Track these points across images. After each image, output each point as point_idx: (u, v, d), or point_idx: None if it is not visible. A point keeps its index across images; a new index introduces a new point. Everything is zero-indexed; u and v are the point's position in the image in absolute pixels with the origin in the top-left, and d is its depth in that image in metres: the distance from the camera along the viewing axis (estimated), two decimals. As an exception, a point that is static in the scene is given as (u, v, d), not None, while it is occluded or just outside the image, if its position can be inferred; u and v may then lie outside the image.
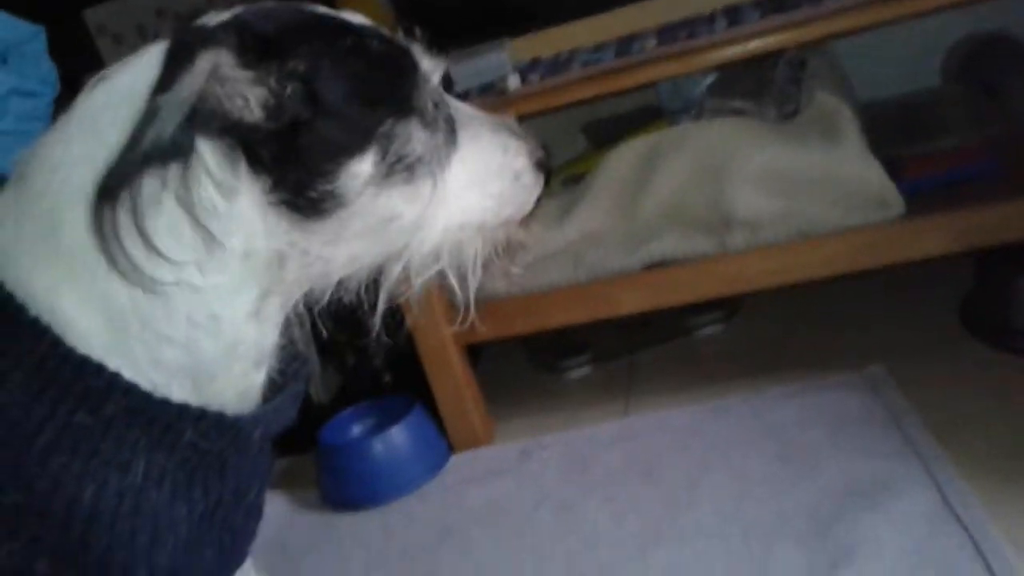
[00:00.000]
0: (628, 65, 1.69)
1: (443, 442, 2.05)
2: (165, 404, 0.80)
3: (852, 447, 1.62)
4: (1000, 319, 1.80)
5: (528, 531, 1.70)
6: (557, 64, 1.84)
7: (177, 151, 0.74)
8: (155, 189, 0.76)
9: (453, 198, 0.90)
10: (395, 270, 0.91)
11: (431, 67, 0.91)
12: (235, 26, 0.77)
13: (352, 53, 0.82)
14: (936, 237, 1.65)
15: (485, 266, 0.97)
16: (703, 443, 1.78)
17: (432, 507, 1.90)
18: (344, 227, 0.84)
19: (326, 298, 0.91)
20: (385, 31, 0.88)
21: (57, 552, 0.76)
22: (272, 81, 0.77)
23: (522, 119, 2.03)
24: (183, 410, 0.80)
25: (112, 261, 0.75)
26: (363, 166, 0.82)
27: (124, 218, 0.74)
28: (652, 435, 1.87)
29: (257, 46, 0.77)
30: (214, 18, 0.81)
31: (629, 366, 2.19)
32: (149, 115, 0.72)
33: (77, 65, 1.03)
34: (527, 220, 1.01)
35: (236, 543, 0.92)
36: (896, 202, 1.68)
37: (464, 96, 1.79)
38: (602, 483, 1.77)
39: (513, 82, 1.76)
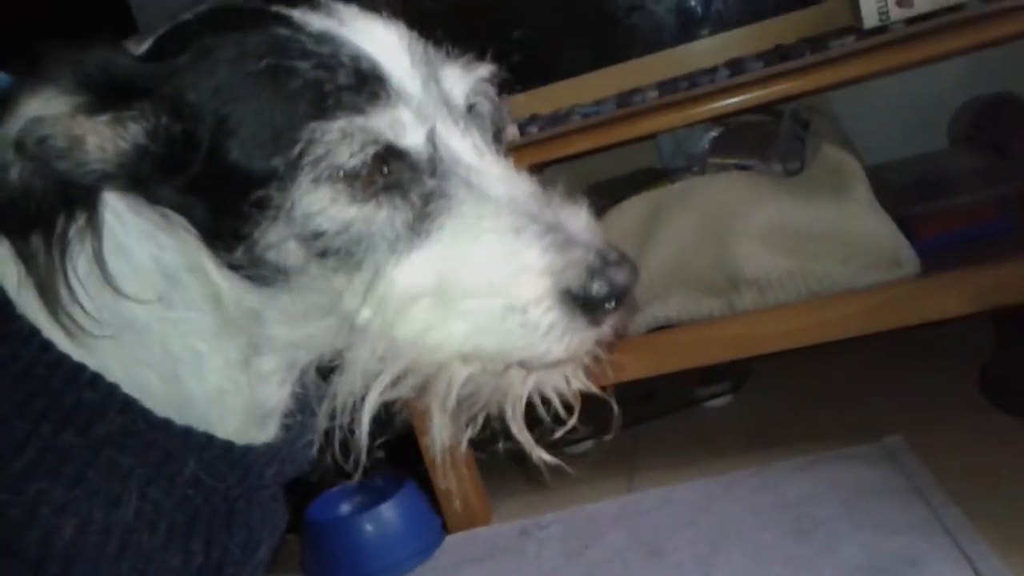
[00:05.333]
0: (628, 115, 1.65)
1: (437, 521, 1.94)
2: (167, 426, 0.71)
3: (873, 521, 1.51)
4: (1022, 387, 1.70)
5: (526, 615, 1.59)
6: (556, 118, 1.81)
7: (81, 199, 0.68)
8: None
9: (412, 306, 0.69)
10: (346, 376, 0.71)
11: (417, 115, 0.68)
12: (78, 66, 0.65)
13: (249, 89, 0.65)
14: (953, 297, 1.58)
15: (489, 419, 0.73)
16: (713, 519, 1.67)
17: (425, 591, 1.78)
18: (296, 304, 0.71)
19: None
20: (363, 44, 0.68)
21: None
22: (137, 125, 0.66)
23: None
24: (187, 434, 0.72)
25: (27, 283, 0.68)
26: (273, 234, 0.67)
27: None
28: (658, 512, 1.76)
29: (111, 87, 0.65)
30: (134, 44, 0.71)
31: (632, 440, 2.09)
32: None
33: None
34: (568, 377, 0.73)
35: None
36: (910, 261, 1.62)
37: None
38: (605, 563, 1.65)
39: (511, 133, 1.71)
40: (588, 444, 2.12)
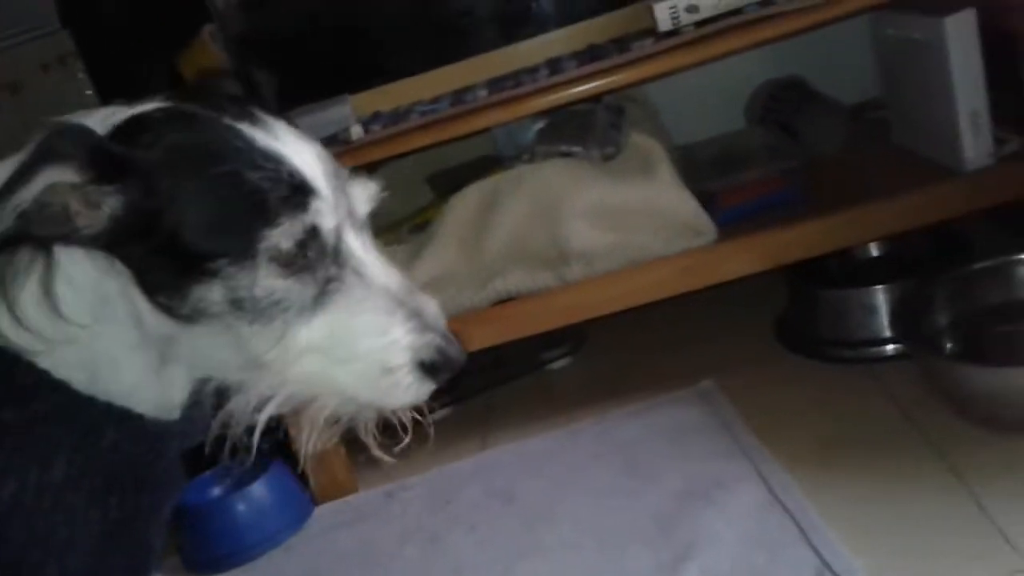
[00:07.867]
0: (462, 113, 1.81)
1: (305, 495, 2.06)
2: (91, 402, 0.85)
3: (690, 454, 1.76)
4: (809, 331, 2.00)
5: (396, 566, 1.75)
6: (397, 116, 1.94)
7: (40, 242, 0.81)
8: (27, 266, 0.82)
9: (307, 354, 0.89)
10: (241, 396, 0.91)
11: (330, 219, 0.87)
12: (89, 144, 0.79)
13: (212, 187, 0.83)
14: (746, 258, 1.84)
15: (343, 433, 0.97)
16: (558, 466, 1.88)
17: (300, 557, 1.90)
18: (211, 336, 0.88)
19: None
20: (293, 163, 0.86)
21: None
22: (117, 199, 0.80)
23: (369, 169, 2.13)
24: (107, 409, 0.86)
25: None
26: (209, 294, 0.84)
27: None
28: (510, 464, 1.95)
29: (110, 166, 0.80)
30: (105, 117, 0.85)
31: (486, 405, 2.27)
32: None
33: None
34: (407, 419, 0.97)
35: (147, 559, 0.95)
36: (708, 229, 1.86)
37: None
38: (465, 514, 1.83)
39: (356, 132, 1.84)
40: (446, 411, 2.29)
